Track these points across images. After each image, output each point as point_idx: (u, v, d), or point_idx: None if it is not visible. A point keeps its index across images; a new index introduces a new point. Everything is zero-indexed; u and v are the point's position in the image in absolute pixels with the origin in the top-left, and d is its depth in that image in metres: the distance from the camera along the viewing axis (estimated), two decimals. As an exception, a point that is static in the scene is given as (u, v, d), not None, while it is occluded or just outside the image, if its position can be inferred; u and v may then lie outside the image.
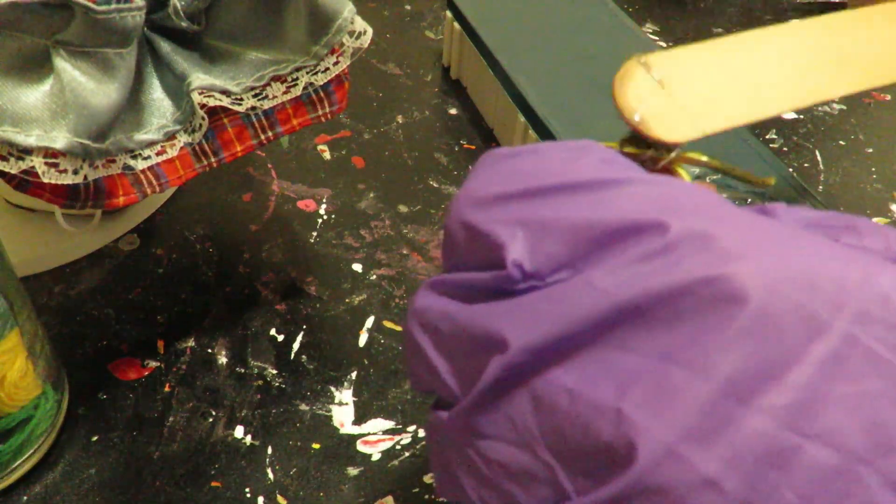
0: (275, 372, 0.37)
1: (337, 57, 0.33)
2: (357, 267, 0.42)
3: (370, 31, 0.34)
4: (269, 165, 0.47)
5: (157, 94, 0.32)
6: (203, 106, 0.32)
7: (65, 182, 0.28)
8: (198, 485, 0.33)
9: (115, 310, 0.39)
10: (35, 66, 0.27)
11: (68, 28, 0.27)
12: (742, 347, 0.17)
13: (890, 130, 0.54)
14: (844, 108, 0.56)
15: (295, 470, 0.34)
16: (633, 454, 0.17)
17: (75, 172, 0.28)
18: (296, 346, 0.38)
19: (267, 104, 0.33)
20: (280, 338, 0.39)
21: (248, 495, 0.33)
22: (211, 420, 0.35)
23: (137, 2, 0.28)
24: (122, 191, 0.31)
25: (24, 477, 0.32)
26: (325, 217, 0.45)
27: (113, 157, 0.30)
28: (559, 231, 0.19)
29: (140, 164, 0.32)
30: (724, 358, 0.17)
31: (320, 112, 0.35)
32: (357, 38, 0.33)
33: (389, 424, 0.36)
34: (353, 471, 0.34)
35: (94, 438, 0.34)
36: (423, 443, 0.35)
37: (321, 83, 0.34)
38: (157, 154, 0.32)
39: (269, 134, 0.35)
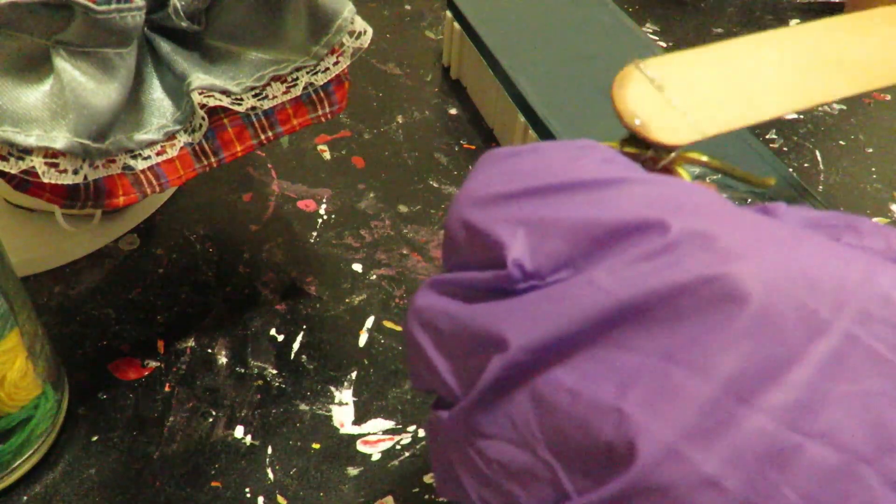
0: (275, 372, 0.37)
1: (337, 57, 0.33)
2: (357, 267, 0.42)
3: (370, 31, 0.34)
4: (269, 165, 0.47)
5: (157, 94, 0.32)
6: (203, 106, 0.32)
7: (65, 182, 0.28)
8: (198, 485, 0.33)
9: (115, 310, 0.39)
10: (35, 66, 0.27)
11: (68, 28, 0.27)
12: (743, 347, 0.17)
13: (890, 130, 0.54)
14: (844, 108, 0.56)
15: (295, 470, 0.34)
16: (634, 453, 0.17)
17: (75, 172, 0.28)
18: (296, 346, 0.38)
19: (267, 104, 0.33)
20: (280, 338, 0.39)
21: (248, 495, 0.33)
22: (211, 420, 0.35)
23: (137, 2, 0.28)
24: (122, 191, 0.31)
25: (25, 477, 0.32)
26: (325, 217, 0.45)
27: (113, 157, 0.30)
28: (560, 230, 0.19)
29: (140, 164, 0.32)
30: (724, 357, 0.17)
31: (320, 112, 0.35)
32: (357, 38, 0.33)
33: (389, 424, 0.36)
34: (353, 471, 0.34)
35: (94, 438, 0.34)
36: (423, 443, 0.35)
37: (321, 83, 0.34)
38: (157, 154, 0.32)
39: (270, 134, 0.35)
